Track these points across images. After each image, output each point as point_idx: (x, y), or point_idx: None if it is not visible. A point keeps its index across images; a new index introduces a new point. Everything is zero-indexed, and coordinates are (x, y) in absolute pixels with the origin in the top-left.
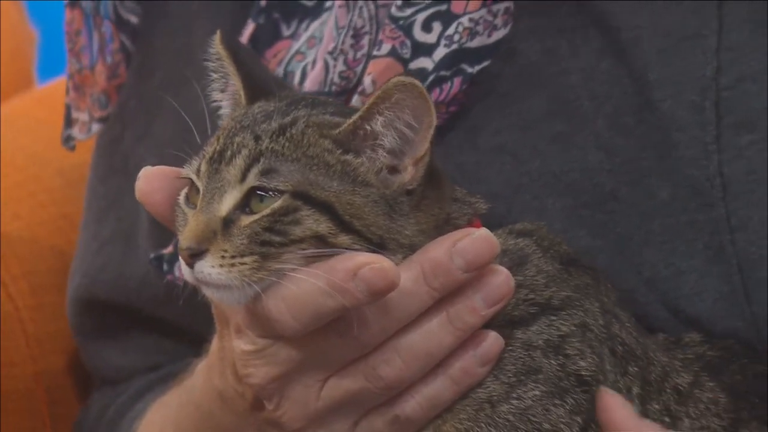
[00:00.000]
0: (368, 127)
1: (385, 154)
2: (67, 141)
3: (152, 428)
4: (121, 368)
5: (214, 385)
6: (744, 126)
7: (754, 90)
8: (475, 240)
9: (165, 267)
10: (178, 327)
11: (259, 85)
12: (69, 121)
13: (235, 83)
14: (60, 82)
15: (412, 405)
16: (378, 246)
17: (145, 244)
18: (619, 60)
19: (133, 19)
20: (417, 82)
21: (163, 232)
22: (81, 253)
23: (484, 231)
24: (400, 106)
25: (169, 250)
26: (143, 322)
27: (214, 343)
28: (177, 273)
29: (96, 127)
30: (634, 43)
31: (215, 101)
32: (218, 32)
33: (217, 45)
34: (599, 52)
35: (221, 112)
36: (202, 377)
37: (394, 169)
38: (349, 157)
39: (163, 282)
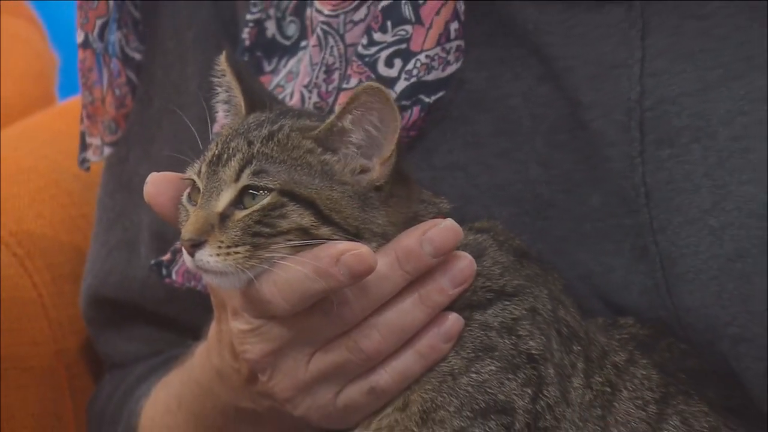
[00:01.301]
0: (340, 124)
1: (355, 150)
2: (83, 163)
3: (158, 404)
4: (128, 354)
5: (213, 364)
6: (664, 142)
7: (673, 111)
8: (442, 229)
9: (164, 272)
10: (176, 320)
11: (256, 98)
12: (84, 146)
13: (237, 95)
14: (76, 99)
15: (385, 378)
16: (354, 235)
17: (146, 251)
18: (556, 85)
19: (137, 56)
20: (383, 88)
21: (162, 241)
22: (92, 258)
23: (449, 221)
24: (367, 107)
25: (167, 257)
26: (145, 316)
27: (212, 328)
28: (174, 276)
29: (107, 150)
30: (568, 71)
31: (217, 113)
32: (224, 51)
33: (222, 62)
34: (538, 78)
35: (224, 121)
36: (201, 358)
37: (365, 170)
38: (327, 156)
39: (162, 284)
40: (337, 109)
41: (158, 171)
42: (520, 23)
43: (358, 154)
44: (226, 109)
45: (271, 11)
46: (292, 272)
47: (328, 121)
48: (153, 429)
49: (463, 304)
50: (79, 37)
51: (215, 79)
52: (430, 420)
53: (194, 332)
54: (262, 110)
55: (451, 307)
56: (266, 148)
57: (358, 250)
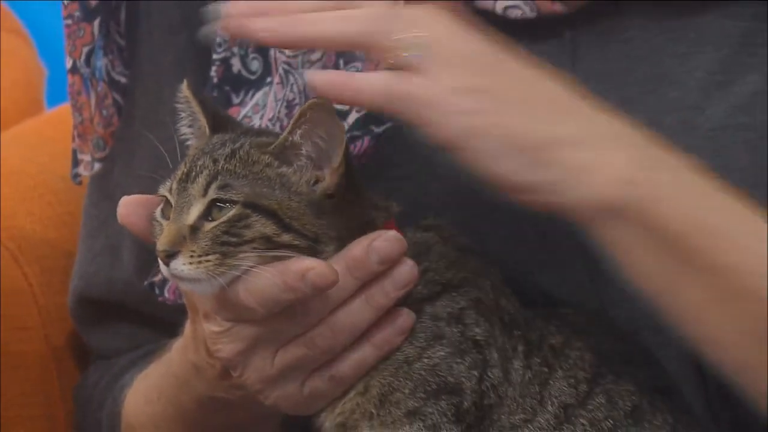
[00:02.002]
0: (291, 139)
1: (307, 161)
2: (75, 177)
3: (138, 395)
4: (111, 348)
5: (189, 359)
6: None
7: None
8: (386, 240)
9: (157, 291)
10: (154, 318)
11: (219, 120)
12: (76, 162)
13: (200, 119)
14: (63, 107)
15: (344, 367)
16: (313, 240)
17: (127, 256)
18: None
19: (123, 80)
20: (326, 102)
21: (141, 247)
22: (79, 261)
23: (393, 233)
24: (314, 122)
25: (158, 278)
26: (127, 314)
27: (188, 327)
28: (167, 294)
29: (97, 166)
30: None
31: (184, 135)
32: (185, 80)
33: (184, 90)
34: None
35: (189, 143)
36: (178, 353)
37: (318, 180)
38: (283, 169)
39: (142, 287)
40: (289, 124)
41: (137, 184)
42: None
43: (311, 166)
44: (191, 132)
45: (235, 49)
46: (266, 282)
47: (281, 136)
48: (135, 416)
49: (414, 298)
50: (68, 64)
51: (179, 106)
52: (388, 402)
53: (171, 329)
54: (225, 131)
55: (404, 301)
56: (229, 165)
57: (321, 269)
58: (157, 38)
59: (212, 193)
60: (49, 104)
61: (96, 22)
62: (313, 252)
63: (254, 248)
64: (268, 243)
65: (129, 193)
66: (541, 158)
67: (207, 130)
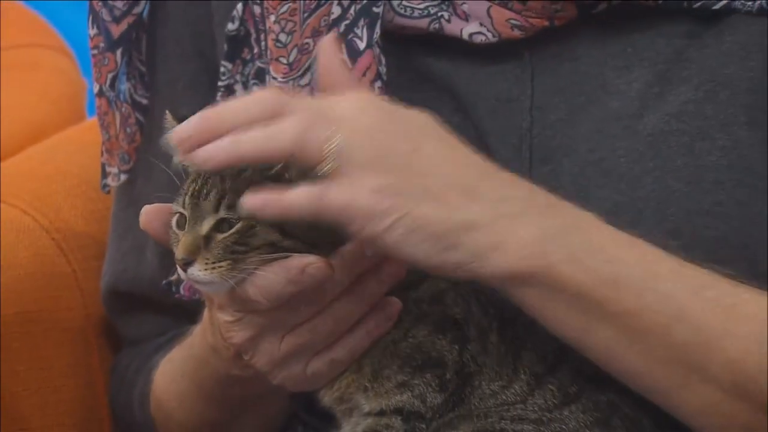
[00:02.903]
0: (286, 176)
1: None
2: (104, 187)
3: (164, 376)
4: (139, 335)
5: (208, 342)
6: (546, 160)
7: (551, 134)
8: None
9: (174, 289)
10: (177, 308)
11: None
12: (104, 174)
13: None
14: None
15: (342, 351)
16: (311, 245)
17: (151, 255)
18: (465, 116)
19: (144, 101)
20: None
21: (164, 250)
22: (109, 259)
23: None
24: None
25: (175, 278)
26: (153, 305)
27: (205, 314)
28: (182, 292)
29: (123, 177)
30: (474, 106)
31: (177, 160)
32: (167, 112)
33: (169, 121)
34: (451, 111)
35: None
36: (198, 337)
37: None
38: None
39: (168, 289)
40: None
41: (159, 192)
42: (436, 72)
43: None
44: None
45: (237, 76)
46: (271, 279)
47: (276, 168)
48: (162, 394)
49: (401, 285)
50: (96, 89)
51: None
52: (380, 377)
53: (191, 317)
54: None
55: (392, 291)
56: (235, 185)
57: (319, 263)
58: (172, 66)
59: (222, 212)
60: (90, 113)
61: (119, 52)
62: (311, 253)
63: (261, 253)
64: (273, 248)
65: (150, 201)
66: (451, 242)
67: None
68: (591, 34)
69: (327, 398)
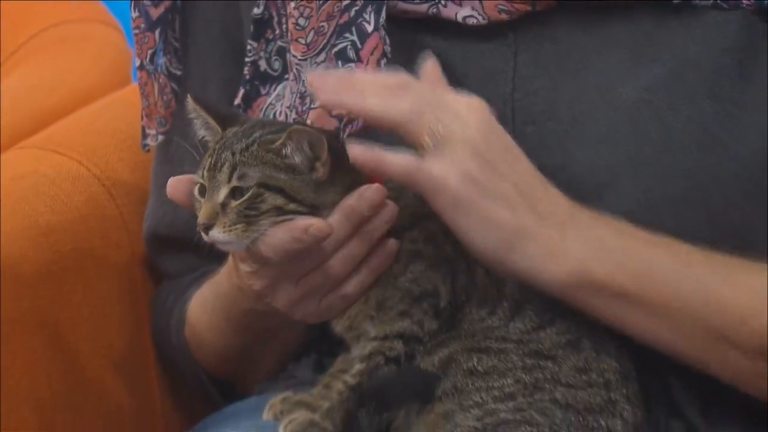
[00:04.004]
0: (284, 151)
1: (301, 159)
2: (144, 147)
3: (197, 307)
4: (177, 271)
5: (234, 282)
6: (528, 122)
7: (534, 100)
8: (372, 190)
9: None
10: (208, 249)
11: (226, 118)
12: (144, 135)
13: (210, 121)
14: None
15: (350, 287)
16: (313, 207)
17: None
18: (458, 85)
19: (178, 73)
20: (303, 128)
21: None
22: (150, 206)
23: (376, 185)
24: (297, 142)
25: None
26: (187, 246)
27: (230, 258)
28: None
29: (160, 138)
30: (465, 76)
31: (203, 136)
32: (189, 96)
33: (190, 104)
34: (449, 83)
35: (206, 139)
36: (225, 277)
37: (313, 168)
38: (285, 160)
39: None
40: (282, 139)
41: (188, 152)
42: (432, 47)
43: (305, 163)
44: (207, 132)
45: (261, 53)
46: (279, 238)
47: (279, 142)
48: (196, 322)
49: (397, 228)
50: (137, 62)
51: (191, 115)
52: (383, 307)
53: (221, 257)
54: (233, 125)
55: (389, 233)
56: (244, 157)
57: (320, 224)
58: (201, 44)
59: (234, 181)
60: (135, 79)
61: (157, 31)
62: (314, 215)
63: (270, 216)
64: (280, 211)
65: (183, 159)
66: (509, 246)
67: (218, 128)
68: (570, 18)
69: (338, 327)
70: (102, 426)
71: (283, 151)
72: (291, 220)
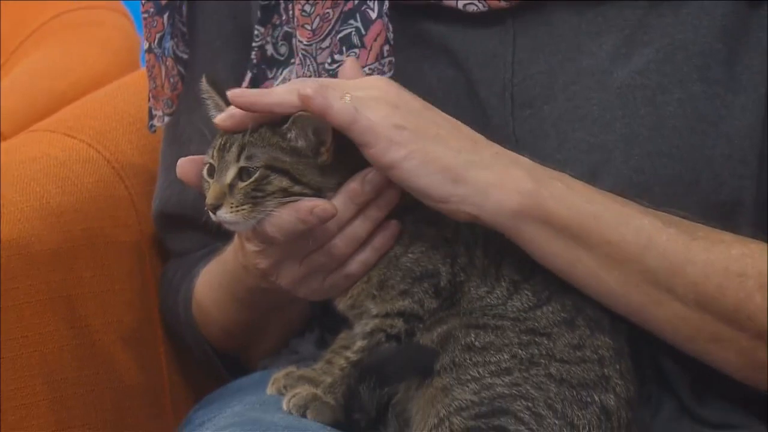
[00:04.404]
0: (289, 135)
1: (305, 144)
2: (151, 127)
3: (204, 284)
4: (184, 249)
5: (239, 261)
6: (526, 105)
7: (531, 84)
8: (376, 173)
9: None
10: (215, 228)
11: None
12: (151, 116)
13: (221, 103)
14: None
15: (354, 267)
16: (318, 189)
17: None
18: (458, 70)
19: (185, 56)
20: (307, 115)
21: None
22: (158, 186)
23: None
24: (301, 127)
25: None
26: (194, 225)
27: (236, 237)
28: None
29: (167, 119)
30: (466, 59)
31: (213, 115)
32: (203, 76)
33: (204, 85)
34: (446, 65)
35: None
36: (231, 255)
37: (317, 152)
38: (291, 143)
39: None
40: (288, 124)
41: (199, 132)
42: (434, 34)
43: (310, 147)
44: (218, 113)
45: (268, 38)
46: (284, 218)
47: (285, 126)
48: (203, 298)
49: (399, 208)
50: (145, 45)
51: (203, 96)
52: (385, 286)
53: (227, 235)
54: None
55: (392, 214)
56: (252, 138)
57: (324, 205)
58: (209, 27)
59: (242, 162)
60: (144, 64)
61: (165, 16)
62: (318, 197)
63: (275, 197)
64: (285, 193)
65: (190, 139)
66: (459, 176)
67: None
68: (566, 5)
69: (341, 305)
70: (112, 399)
71: (289, 135)
72: (296, 201)
